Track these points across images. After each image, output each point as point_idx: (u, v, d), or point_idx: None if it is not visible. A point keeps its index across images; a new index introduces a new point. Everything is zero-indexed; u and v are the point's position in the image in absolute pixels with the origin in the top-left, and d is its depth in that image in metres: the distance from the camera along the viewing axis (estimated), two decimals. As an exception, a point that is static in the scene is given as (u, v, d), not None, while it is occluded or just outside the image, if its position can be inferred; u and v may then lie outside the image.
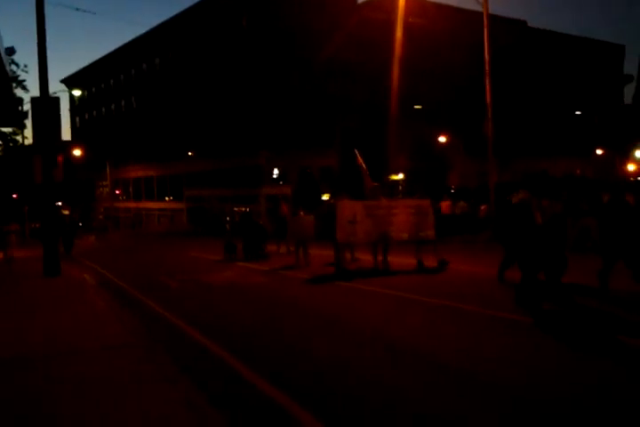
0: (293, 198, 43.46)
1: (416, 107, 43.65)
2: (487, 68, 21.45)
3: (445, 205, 22.37)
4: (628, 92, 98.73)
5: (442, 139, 41.79)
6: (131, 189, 65.58)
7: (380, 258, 12.50)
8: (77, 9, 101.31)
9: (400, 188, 45.11)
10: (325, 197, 44.11)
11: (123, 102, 66.38)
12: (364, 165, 13.77)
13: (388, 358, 5.69)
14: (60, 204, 60.06)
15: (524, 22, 57.57)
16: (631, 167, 54.46)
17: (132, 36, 68.04)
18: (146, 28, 59.33)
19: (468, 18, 37.34)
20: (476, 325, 6.97)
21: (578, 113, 53.79)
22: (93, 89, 71.56)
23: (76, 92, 42.21)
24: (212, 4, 49.23)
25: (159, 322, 7.90)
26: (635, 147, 55.66)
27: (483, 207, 23.33)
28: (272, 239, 18.45)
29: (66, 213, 51.23)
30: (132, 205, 64.30)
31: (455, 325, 6.99)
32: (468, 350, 5.80)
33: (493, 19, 22.69)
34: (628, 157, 54.28)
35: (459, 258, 13.21)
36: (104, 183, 66.90)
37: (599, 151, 53.04)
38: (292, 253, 16.18)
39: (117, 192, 67.14)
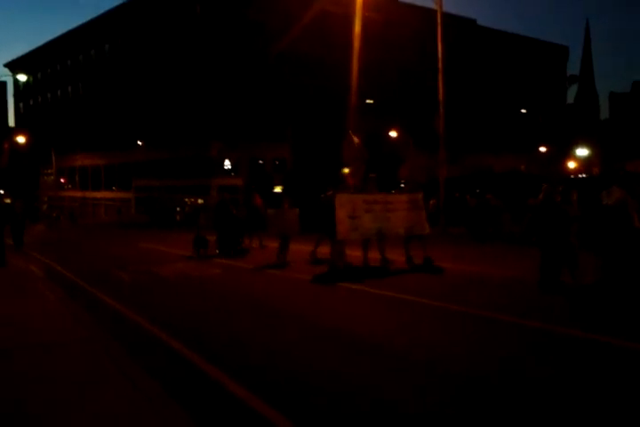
0: (245, 190, 43.30)
1: (368, 101, 44.02)
2: (440, 65, 21.88)
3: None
4: (571, 92, 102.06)
5: (393, 133, 42.32)
6: (77, 178, 63.81)
7: (373, 255, 11.90)
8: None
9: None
10: (278, 189, 44.15)
11: (70, 88, 64.37)
12: (360, 151, 13.07)
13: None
14: (1, 192, 58.01)
15: (474, 21, 58.77)
16: (572, 164, 56.60)
17: (82, 20, 65.97)
18: (96, 11, 57.64)
19: (422, 14, 37.88)
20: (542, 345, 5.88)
21: (523, 111, 55.42)
22: (39, 74, 69.06)
23: (22, 77, 40.64)
24: (165, -9, 48.24)
25: (112, 315, 7.85)
26: (576, 145, 57.81)
27: (431, 202, 23.86)
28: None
29: (7, 201, 49.48)
30: (77, 194, 62.61)
31: (500, 341, 6.09)
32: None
33: (446, 17, 23.13)
34: (569, 154, 56.37)
35: (432, 255, 12.42)
36: (49, 171, 64.88)
37: (543, 148, 54.86)
38: (266, 248, 16.01)
39: (62, 181, 65.20)
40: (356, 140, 13.53)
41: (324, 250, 12.56)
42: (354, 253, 12.13)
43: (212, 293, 9.74)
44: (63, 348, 5.86)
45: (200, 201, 47.24)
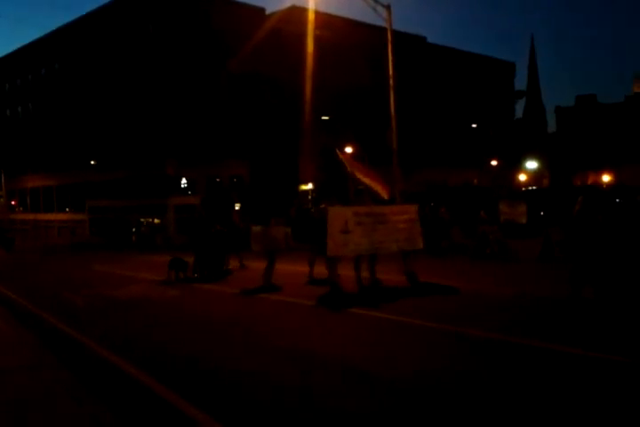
0: (202, 208, 42.94)
1: (323, 118, 44.52)
2: (391, 81, 22.30)
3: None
4: (519, 106, 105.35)
5: (348, 149, 42.82)
6: (28, 200, 62.13)
7: (364, 274, 11.11)
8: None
9: (310, 197, 45.70)
10: (236, 206, 43.98)
11: (19, 108, 62.91)
12: (349, 167, 12.38)
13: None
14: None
15: (424, 38, 60.28)
16: (522, 177, 58.31)
17: (31, 39, 64.79)
18: (46, 31, 56.84)
19: (373, 32, 38.64)
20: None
21: (474, 126, 56.88)
22: (-15, 94, 67.33)
23: (-33, 97, 39.70)
24: (118, 9, 47.92)
25: (63, 341, 7.69)
26: (525, 158, 59.63)
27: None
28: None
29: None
30: (29, 216, 60.90)
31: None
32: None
33: (396, 34, 23.65)
34: (519, 167, 58.08)
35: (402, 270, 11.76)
36: (-2, 194, 63.00)
37: (494, 162, 56.36)
38: (247, 269, 15.41)
39: (13, 203, 63.37)
40: (343, 156, 13.22)
41: (319, 269, 11.88)
42: (343, 273, 11.28)
43: (187, 322, 8.75)
44: (9, 375, 5.73)
45: (157, 221, 46.61)
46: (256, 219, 13.38)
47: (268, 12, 49.96)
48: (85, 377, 5.68)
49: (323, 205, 11.09)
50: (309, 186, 46.65)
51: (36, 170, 58.44)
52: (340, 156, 12.89)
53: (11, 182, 59.38)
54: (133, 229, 47.18)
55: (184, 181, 46.50)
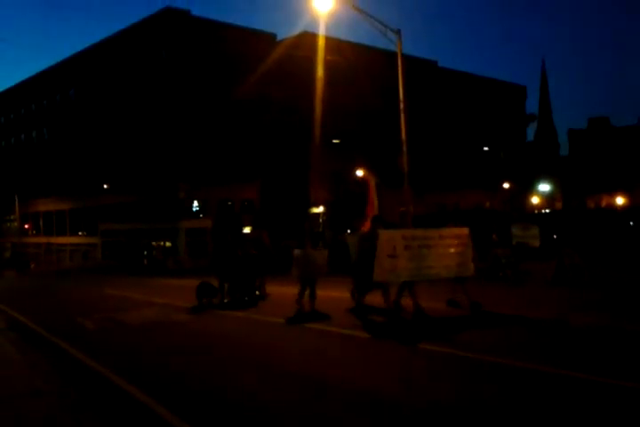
0: (213, 231, 43.03)
1: (334, 141, 44.73)
2: (402, 105, 22.39)
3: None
4: (531, 129, 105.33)
5: (359, 172, 42.91)
6: (41, 224, 62.60)
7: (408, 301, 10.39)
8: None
9: (321, 220, 45.62)
10: (247, 229, 44.01)
11: (34, 133, 63.90)
12: (371, 188, 12.13)
13: None
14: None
15: (435, 62, 60.79)
16: (535, 200, 58.06)
17: (45, 66, 66.21)
18: (60, 58, 58.01)
19: (383, 57, 39.01)
20: None
21: (485, 149, 56.89)
22: (2, 119, 68.56)
23: (-17, 122, 40.37)
24: (131, 36, 48.87)
25: (74, 366, 7.59)
26: (538, 181, 59.45)
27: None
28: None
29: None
30: (42, 240, 61.31)
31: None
32: None
33: (407, 58, 23.84)
34: (532, 190, 57.86)
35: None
36: (12, 217, 63.53)
37: (506, 185, 56.20)
38: (269, 296, 14.16)
39: (26, 227, 63.88)
40: (372, 181, 12.93)
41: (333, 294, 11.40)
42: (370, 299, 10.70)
43: (219, 357, 7.73)
44: (18, 401, 5.64)
45: (168, 244, 46.72)
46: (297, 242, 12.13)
47: (279, 38, 50.75)
48: (93, 402, 5.58)
49: (364, 229, 10.59)
50: (320, 209, 46.65)
51: (49, 194, 59.03)
52: (370, 181, 12.72)
53: (24, 206, 59.97)
54: (145, 253, 47.30)
55: (195, 204, 46.71)
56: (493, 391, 5.55)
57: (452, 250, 10.36)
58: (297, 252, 11.57)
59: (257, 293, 13.95)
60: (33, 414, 5.26)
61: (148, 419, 5.22)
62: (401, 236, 9.94)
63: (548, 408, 4.99)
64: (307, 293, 11.03)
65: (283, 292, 13.80)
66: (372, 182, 13.16)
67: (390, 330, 9.08)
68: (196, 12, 47.20)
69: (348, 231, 11.38)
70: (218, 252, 14.45)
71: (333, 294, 12.14)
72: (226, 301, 13.21)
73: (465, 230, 10.72)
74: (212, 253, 14.88)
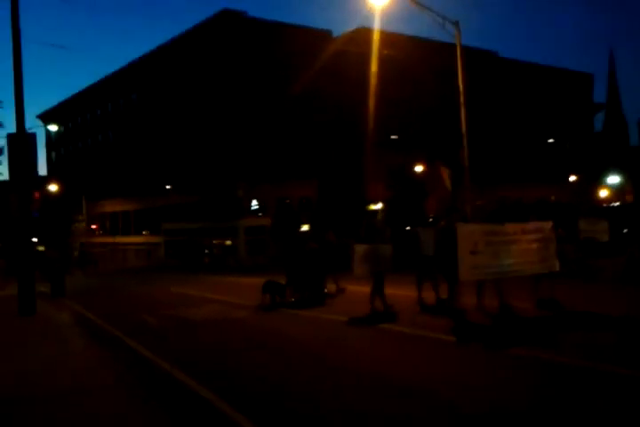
0: (272, 230, 43.37)
1: (392, 137, 44.23)
2: (462, 98, 21.83)
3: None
4: (599, 120, 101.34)
5: (418, 167, 42.25)
6: (107, 224, 64.86)
7: (486, 301, 9.89)
8: (52, 45, 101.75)
9: (379, 217, 45.15)
10: (305, 227, 44.15)
11: (100, 137, 66.27)
12: (446, 180, 11.65)
13: None
14: (35, 240, 59.08)
15: (495, 53, 59.18)
16: (604, 193, 55.64)
17: (107, 72, 68.45)
18: (120, 64, 59.90)
19: (441, 49, 38.27)
20: None
21: (550, 141, 54.93)
22: (70, 124, 71.40)
23: (53, 128, 42.12)
24: (189, 40, 49.87)
25: (138, 362, 7.66)
26: (606, 173, 56.99)
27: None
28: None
29: (41, 249, 50.36)
30: (108, 240, 63.51)
31: None
32: None
33: (465, 50, 23.20)
34: (600, 182, 55.51)
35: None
36: (80, 218, 66.08)
37: (573, 178, 54.08)
38: (343, 292, 13.61)
39: (94, 227, 66.31)
40: (445, 172, 12.56)
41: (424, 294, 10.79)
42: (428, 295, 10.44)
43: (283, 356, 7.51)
44: (88, 395, 5.71)
45: (228, 243, 47.42)
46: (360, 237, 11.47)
47: (335, 34, 50.58)
48: (157, 396, 5.59)
49: (443, 223, 10.00)
50: (378, 205, 46.24)
51: (115, 195, 61.07)
52: (443, 171, 12.52)
53: (91, 207, 62.25)
54: (206, 251, 48.19)
55: (254, 202, 47.20)
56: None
57: (536, 245, 9.71)
58: (359, 247, 11.02)
59: (325, 290, 13.32)
60: (102, 404, 5.38)
61: (207, 412, 5.22)
62: (482, 231, 9.32)
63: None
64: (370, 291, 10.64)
65: (351, 290, 13.48)
66: (445, 172, 12.73)
67: (476, 333, 8.39)
68: (252, 13, 47.59)
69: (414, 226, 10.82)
70: (285, 248, 13.93)
71: (398, 293, 11.54)
72: (293, 299, 12.75)
73: (548, 224, 10.01)
74: (278, 250, 14.56)
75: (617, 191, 61.11)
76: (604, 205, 44.45)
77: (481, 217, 11.01)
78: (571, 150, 59.20)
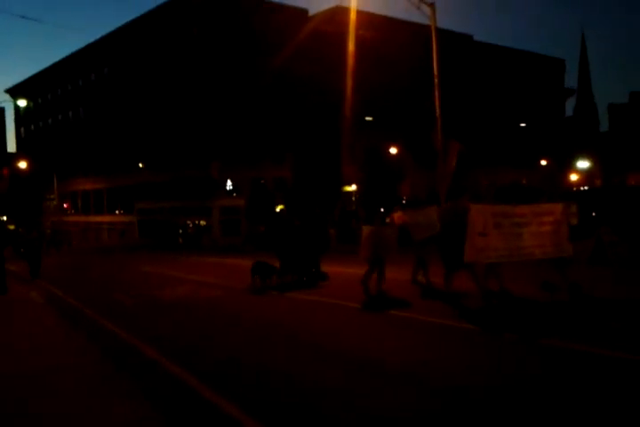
0: (247, 210, 43.33)
1: (367, 118, 44.26)
2: (436, 80, 21.95)
3: (397, 216, 22.62)
4: (570, 105, 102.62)
5: (393, 150, 42.46)
6: (79, 203, 63.98)
7: (493, 284, 9.40)
8: (23, 17, 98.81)
9: (353, 198, 45.47)
10: (279, 207, 44.19)
11: (70, 113, 64.90)
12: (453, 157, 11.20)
13: None
14: (4, 218, 58.10)
15: (470, 36, 59.28)
16: (574, 177, 56.68)
17: (80, 46, 66.85)
18: (94, 37, 58.47)
19: (417, 31, 38.24)
20: None
21: (522, 125, 55.56)
22: (40, 99, 69.72)
23: (22, 103, 40.91)
24: (162, 14, 48.84)
25: (110, 339, 7.74)
26: (577, 157, 57.97)
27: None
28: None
29: (11, 227, 49.51)
30: (80, 218, 62.70)
31: None
32: None
33: (441, 33, 23.28)
34: (570, 167, 56.49)
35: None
36: (51, 196, 65.03)
37: (543, 162, 54.91)
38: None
39: (65, 206, 65.36)
40: (455, 148, 12.30)
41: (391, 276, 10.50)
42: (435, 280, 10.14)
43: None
44: (59, 371, 5.80)
45: (202, 222, 47.27)
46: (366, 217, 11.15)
47: (311, 13, 50.09)
48: (128, 373, 5.71)
49: (449, 203, 9.82)
50: (353, 187, 46.45)
51: (87, 173, 60.14)
52: (453, 147, 12.30)
53: (62, 185, 61.23)
54: (180, 231, 47.97)
55: (229, 182, 46.99)
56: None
57: (547, 228, 9.29)
58: (366, 228, 10.60)
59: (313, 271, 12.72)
60: (73, 383, 5.44)
61: (175, 386, 5.35)
62: (491, 212, 8.98)
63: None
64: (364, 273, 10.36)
65: (335, 271, 13.12)
66: (455, 149, 12.64)
67: (495, 320, 7.79)
68: (227, -12, 46.69)
69: (383, 210, 10.78)
70: (271, 228, 13.17)
71: (394, 276, 11.05)
72: (283, 281, 12.37)
73: (559, 206, 9.57)
74: (255, 230, 14.32)
75: (587, 175, 62.28)
76: (574, 188, 45.33)
77: (487, 198, 10.63)
78: (542, 135, 59.99)
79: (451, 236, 9.07)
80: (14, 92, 68.82)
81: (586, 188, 47.66)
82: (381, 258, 10.29)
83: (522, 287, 9.67)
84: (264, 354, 6.48)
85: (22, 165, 50.36)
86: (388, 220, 11.94)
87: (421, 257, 11.14)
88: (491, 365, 5.60)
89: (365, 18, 43.64)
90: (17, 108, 66.91)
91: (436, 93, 21.96)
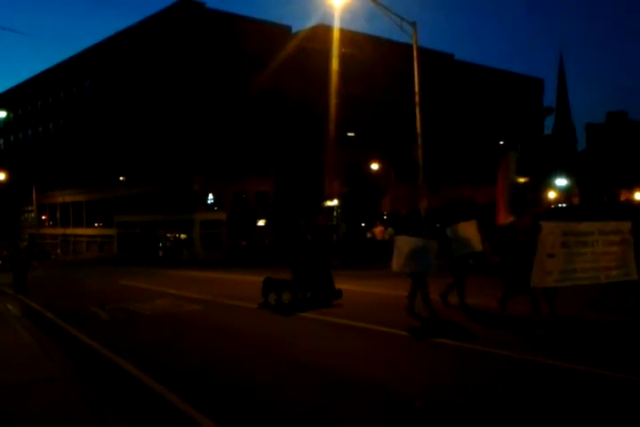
0: (228, 224, 43.21)
1: (349, 134, 44.60)
2: (417, 98, 22.27)
3: (379, 231, 22.78)
4: (548, 124, 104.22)
5: (374, 165, 42.79)
6: (58, 215, 63.24)
7: (545, 308, 8.37)
8: (4, 28, 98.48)
9: (335, 213, 45.57)
10: (261, 222, 44.12)
11: (50, 125, 64.42)
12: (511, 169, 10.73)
13: None
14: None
15: (452, 56, 60.27)
16: (552, 195, 57.56)
17: (62, 58, 66.70)
18: (76, 50, 58.35)
19: (399, 50, 38.81)
20: None
21: (501, 143, 56.38)
22: (20, 110, 69.17)
23: (1, 114, 40.71)
24: (147, 28, 48.96)
25: (87, 354, 7.66)
26: (555, 175, 58.92)
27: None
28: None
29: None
30: (59, 231, 61.96)
31: None
32: None
33: (423, 52, 23.66)
34: (548, 185, 57.38)
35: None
36: (29, 208, 64.24)
37: (522, 180, 55.65)
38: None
39: (44, 218, 64.57)
40: (512, 160, 11.68)
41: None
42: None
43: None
44: (34, 387, 5.71)
45: (183, 236, 46.99)
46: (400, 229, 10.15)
47: (294, 30, 50.57)
48: (105, 388, 5.65)
49: (514, 219, 8.96)
50: (334, 202, 46.60)
51: (66, 185, 59.57)
52: (510, 159, 11.29)
53: (41, 197, 60.56)
54: (160, 245, 47.63)
55: (210, 196, 46.86)
56: None
57: (614, 249, 8.48)
58: (401, 240, 9.46)
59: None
60: (48, 397, 5.36)
61: (152, 400, 5.32)
62: (561, 230, 8.17)
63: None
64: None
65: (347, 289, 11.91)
66: (512, 161, 11.40)
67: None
68: (211, 4, 47.06)
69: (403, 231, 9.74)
70: (288, 241, 12.01)
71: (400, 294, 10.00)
72: (299, 297, 11.21)
73: (627, 224, 8.71)
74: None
75: (564, 193, 63.28)
76: (552, 206, 46.01)
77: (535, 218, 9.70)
78: (521, 153, 60.86)
79: (524, 256, 8.12)
80: (-6, 103, 68.22)
81: (564, 205, 48.41)
82: (423, 274, 9.22)
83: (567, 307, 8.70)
84: (226, 358, 6.45)
85: (0, 176, 49.79)
86: (369, 234, 11.70)
87: (461, 276, 10.03)
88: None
89: (348, 36, 44.26)
90: (-3, 119, 66.24)
91: (418, 111, 22.26)
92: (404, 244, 9.31)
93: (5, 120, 64.41)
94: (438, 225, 9.94)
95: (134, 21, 50.98)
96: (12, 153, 70.75)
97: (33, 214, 63.45)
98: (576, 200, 69.03)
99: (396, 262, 9.32)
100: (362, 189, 43.47)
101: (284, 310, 10.50)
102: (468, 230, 10.20)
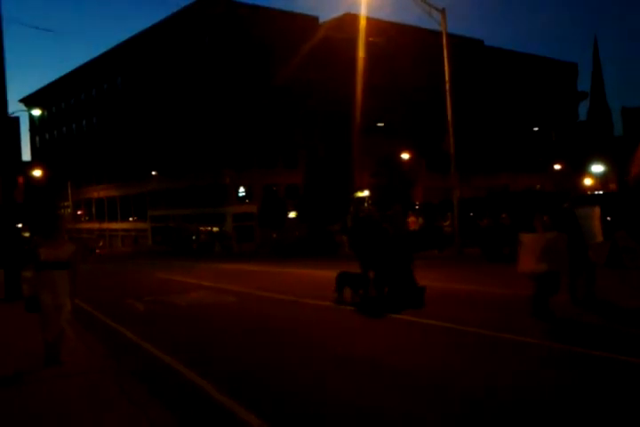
0: (259, 216, 43.39)
1: (378, 124, 44.26)
2: (447, 86, 21.95)
3: (412, 222, 22.64)
4: (583, 109, 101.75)
5: (405, 155, 42.38)
6: (93, 210, 64.48)
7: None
8: (36, 27, 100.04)
9: (366, 204, 45.34)
10: (292, 214, 44.14)
11: (84, 122, 65.57)
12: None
13: None
14: (20, 226, 58.56)
15: (481, 42, 59.21)
16: (588, 181, 56.19)
17: (93, 56, 67.61)
18: (106, 48, 59.11)
19: (427, 37, 38.26)
20: None
21: (535, 129, 55.30)
22: (54, 108, 70.55)
23: (36, 112, 41.58)
24: (175, 23, 49.29)
25: (125, 346, 7.75)
26: (591, 161, 57.44)
27: (447, 222, 23.63)
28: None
29: (26, 235, 49.85)
30: (95, 225, 63.19)
31: None
32: None
33: (451, 38, 23.28)
34: (584, 171, 56.01)
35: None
36: (65, 204, 65.62)
37: (557, 166, 54.54)
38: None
39: (79, 213, 65.90)
40: None
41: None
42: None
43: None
44: (75, 378, 5.80)
45: (215, 229, 47.43)
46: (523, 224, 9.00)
47: (321, 20, 50.29)
48: (143, 380, 5.71)
49: None
50: (365, 193, 46.35)
51: (100, 181, 60.63)
52: None
53: (77, 193, 61.80)
54: (193, 238, 48.15)
55: (242, 189, 47.12)
56: None
57: None
58: (527, 237, 8.38)
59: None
60: (88, 388, 5.45)
61: (188, 390, 5.37)
62: None
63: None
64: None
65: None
66: None
67: None
68: (238, -4, 47.06)
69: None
70: (363, 231, 10.68)
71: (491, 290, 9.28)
72: (376, 295, 10.20)
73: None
74: (349, 235, 11.45)
75: (601, 180, 61.73)
76: (588, 193, 44.96)
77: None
78: (555, 139, 59.64)
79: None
80: (28, 101, 69.66)
81: (600, 192, 47.22)
82: (555, 273, 8.08)
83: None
84: (265, 353, 6.45)
85: (37, 173, 50.92)
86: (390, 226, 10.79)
87: (591, 268, 9.04)
88: None
89: (375, 24, 43.80)
90: (31, 117, 67.73)
91: (448, 99, 21.93)
92: (533, 241, 8.20)
93: (40, 118, 65.76)
94: (566, 205, 8.96)
95: (162, 17, 51.38)
96: (47, 150, 72.31)
97: (69, 210, 64.81)
98: (613, 186, 67.35)
99: (525, 263, 8.14)
100: (392, 180, 43.15)
101: (368, 308, 9.58)
102: (595, 217, 9.42)
